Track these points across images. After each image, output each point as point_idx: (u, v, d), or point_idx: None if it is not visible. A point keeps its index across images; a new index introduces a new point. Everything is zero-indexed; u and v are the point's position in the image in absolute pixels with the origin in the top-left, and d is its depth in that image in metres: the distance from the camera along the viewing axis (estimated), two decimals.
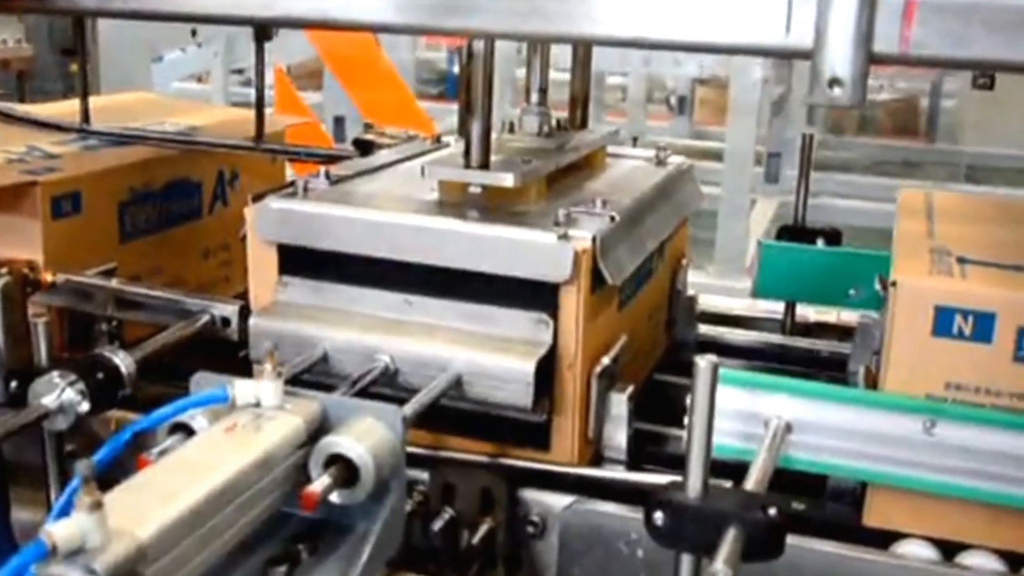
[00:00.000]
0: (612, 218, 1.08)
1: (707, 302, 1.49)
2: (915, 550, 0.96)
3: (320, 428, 0.82)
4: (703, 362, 0.76)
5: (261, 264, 1.12)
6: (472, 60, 1.07)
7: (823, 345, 1.41)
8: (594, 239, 1.02)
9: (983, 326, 0.91)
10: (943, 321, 0.92)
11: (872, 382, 1.01)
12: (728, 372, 0.93)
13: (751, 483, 0.85)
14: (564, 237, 1.01)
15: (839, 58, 0.70)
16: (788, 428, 0.95)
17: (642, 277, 1.22)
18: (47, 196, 1.21)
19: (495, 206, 1.10)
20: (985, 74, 1.34)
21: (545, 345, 1.02)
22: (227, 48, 5.45)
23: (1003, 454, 0.90)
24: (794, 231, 1.43)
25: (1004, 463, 0.91)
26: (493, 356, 1.01)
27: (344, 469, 0.80)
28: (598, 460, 1.10)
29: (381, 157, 1.34)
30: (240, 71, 6.31)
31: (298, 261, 1.11)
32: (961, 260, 1.00)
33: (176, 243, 1.41)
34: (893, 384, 0.94)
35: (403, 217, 1.07)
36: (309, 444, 0.81)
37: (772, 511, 0.77)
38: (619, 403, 1.07)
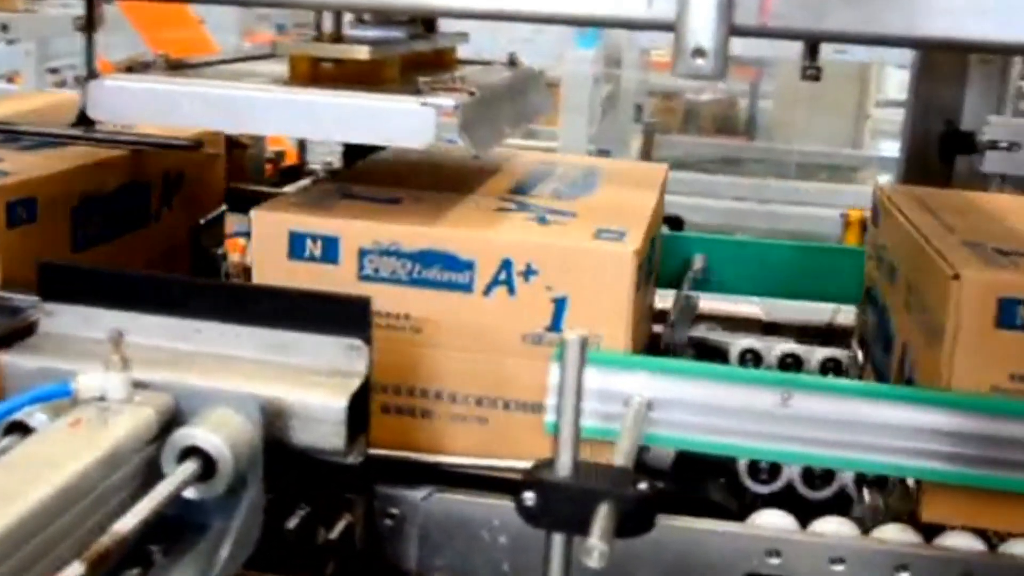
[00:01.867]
0: (471, 93, 1.05)
1: None
2: (772, 520, 0.97)
3: (173, 420, 0.78)
4: (571, 336, 0.75)
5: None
6: None
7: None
8: (456, 107, 0.99)
9: None
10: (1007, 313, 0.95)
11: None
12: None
13: (619, 460, 0.85)
14: (425, 104, 0.98)
15: (701, 29, 0.70)
16: (649, 406, 0.95)
17: None
18: (2, 202, 1.06)
19: (350, 85, 1.06)
20: (813, 65, 1.37)
21: (359, 376, 0.89)
22: (40, 45, 5.19)
23: (856, 423, 0.93)
24: None
25: (857, 431, 0.93)
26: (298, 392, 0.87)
27: (200, 462, 0.76)
28: None
29: None
30: (55, 70, 6.02)
31: (64, 283, 0.93)
32: (999, 252, 1.03)
33: (125, 252, 1.27)
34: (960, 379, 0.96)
35: (252, 90, 1.03)
36: (161, 437, 0.77)
37: (643, 486, 0.77)
38: None
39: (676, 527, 0.95)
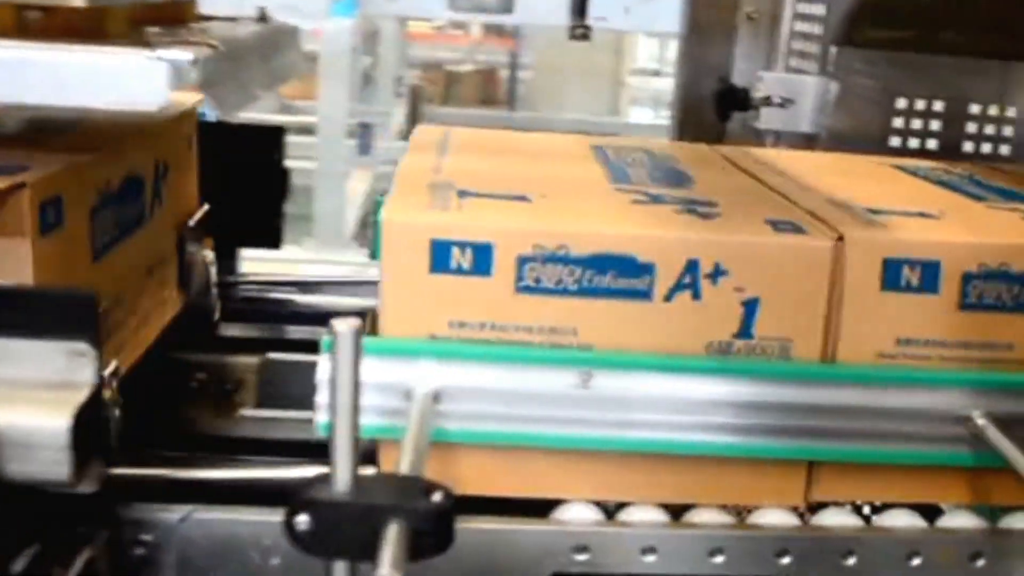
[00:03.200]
0: (212, 47, 0.88)
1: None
2: (578, 514, 0.89)
3: None
4: (343, 327, 0.63)
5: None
6: None
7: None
8: (194, 62, 0.82)
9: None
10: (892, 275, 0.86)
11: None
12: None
13: (406, 466, 0.73)
14: (157, 59, 0.80)
15: None
16: (436, 397, 0.84)
17: None
18: (35, 203, 0.80)
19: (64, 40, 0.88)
20: (582, 24, 1.31)
21: (86, 387, 0.74)
22: None
23: (661, 399, 0.85)
24: None
25: (662, 409, 0.85)
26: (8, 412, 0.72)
27: None
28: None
29: None
30: None
31: None
32: (870, 211, 0.94)
33: (129, 258, 1.03)
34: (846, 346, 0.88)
35: None
36: None
37: (437, 496, 0.66)
38: None
39: (474, 529, 0.85)
